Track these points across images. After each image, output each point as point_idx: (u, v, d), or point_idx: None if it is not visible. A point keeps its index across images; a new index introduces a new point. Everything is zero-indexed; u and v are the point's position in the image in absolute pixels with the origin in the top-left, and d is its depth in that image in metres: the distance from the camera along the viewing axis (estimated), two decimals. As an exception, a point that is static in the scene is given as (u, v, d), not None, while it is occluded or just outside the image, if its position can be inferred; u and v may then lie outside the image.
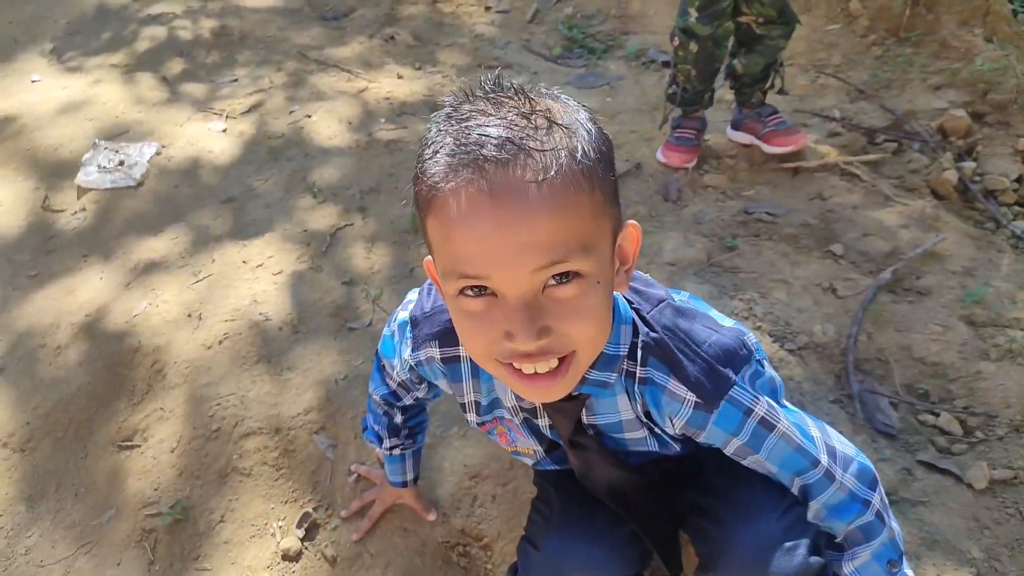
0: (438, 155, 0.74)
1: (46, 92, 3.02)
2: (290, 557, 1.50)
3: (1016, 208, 2.40)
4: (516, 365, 0.79)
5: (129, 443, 1.72)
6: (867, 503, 0.97)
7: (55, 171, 2.56)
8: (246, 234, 2.22)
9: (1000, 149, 2.53)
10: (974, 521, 1.49)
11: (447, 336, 1.02)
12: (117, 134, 2.71)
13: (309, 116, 2.76)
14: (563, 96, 0.79)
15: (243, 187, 2.44)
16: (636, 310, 0.94)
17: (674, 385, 0.91)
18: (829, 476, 0.96)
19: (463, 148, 0.71)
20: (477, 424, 1.12)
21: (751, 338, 0.98)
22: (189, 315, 1.94)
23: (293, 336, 1.87)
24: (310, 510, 1.56)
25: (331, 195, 2.36)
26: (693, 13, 2.22)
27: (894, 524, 1.02)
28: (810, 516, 1.00)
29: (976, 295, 1.94)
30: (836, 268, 2.06)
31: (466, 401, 1.09)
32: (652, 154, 2.50)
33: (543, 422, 1.05)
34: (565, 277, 0.74)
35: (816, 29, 3.05)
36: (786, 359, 1.80)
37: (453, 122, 0.75)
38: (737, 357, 0.92)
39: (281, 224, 2.25)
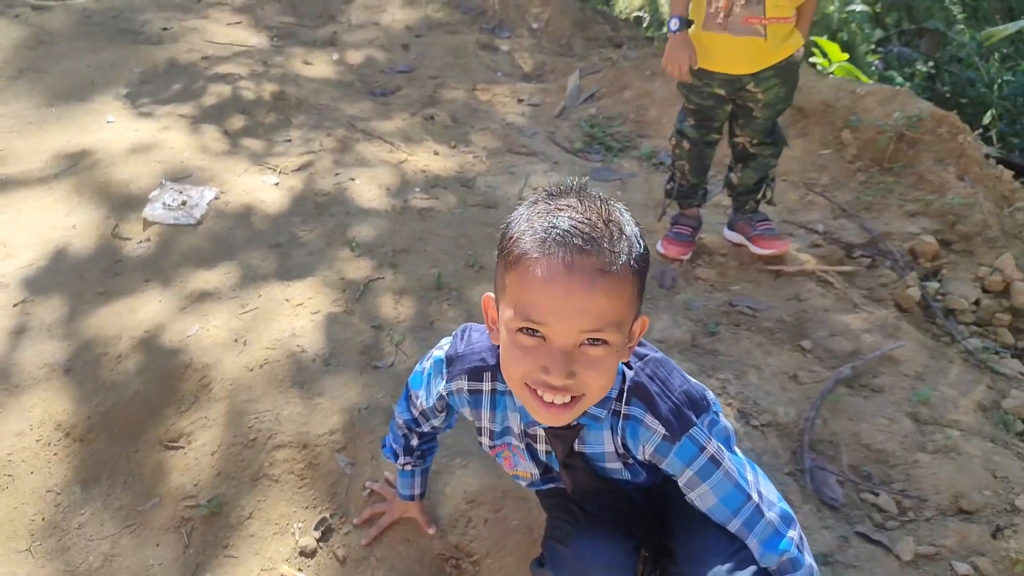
0: (534, 229, 1.02)
1: (119, 132, 3.36)
2: (306, 554, 1.73)
3: (972, 327, 2.69)
4: (540, 392, 1.07)
5: (175, 444, 1.98)
6: (790, 539, 1.19)
7: (124, 203, 2.87)
8: (290, 276, 2.52)
9: (963, 274, 2.83)
10: (897, 587, 1.72)
11: (475, 373, 1.30)
12: (181, 177, 3.04)
13: (353, 179, 3.10)
14: (627, 212, 1.08)
15: (290, 235, 2.76)
16: (625, 363, 1.23)
17: (649, 419, 1.18)
18: (759, 511, 1.19)
19: (557, 230, 0.99)
20: (489, 447, 1.39)
21: (710, 395, 1.27)
22: (235, 340, 2.22)
23: (324, 367, 2.14)
24: (327, 515, 1.80)
25: (367, 250, 2.67)
26: (690, 121, 2.60)
27: (811, 561, 1.22)
28: (756, 555, 1.20)
29: (923, 396, 2.21)
30: (803, 360, 2.34)
31: (482, 427, 1.36)
32: (652, 246, 2.82)
33: (542, 448, 1.32)
34: (597, 342, 1.03)
35: (810, 152, 3.41)
36: (751, 433, 2.06)
37: (551, 207, 1.04)
38: (699, 405, 1.21)
39: (321, 271, 2.55)
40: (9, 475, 1.91)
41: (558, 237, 0.99)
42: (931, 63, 5.55)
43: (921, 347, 2.46)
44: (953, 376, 2.35)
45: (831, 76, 4.17)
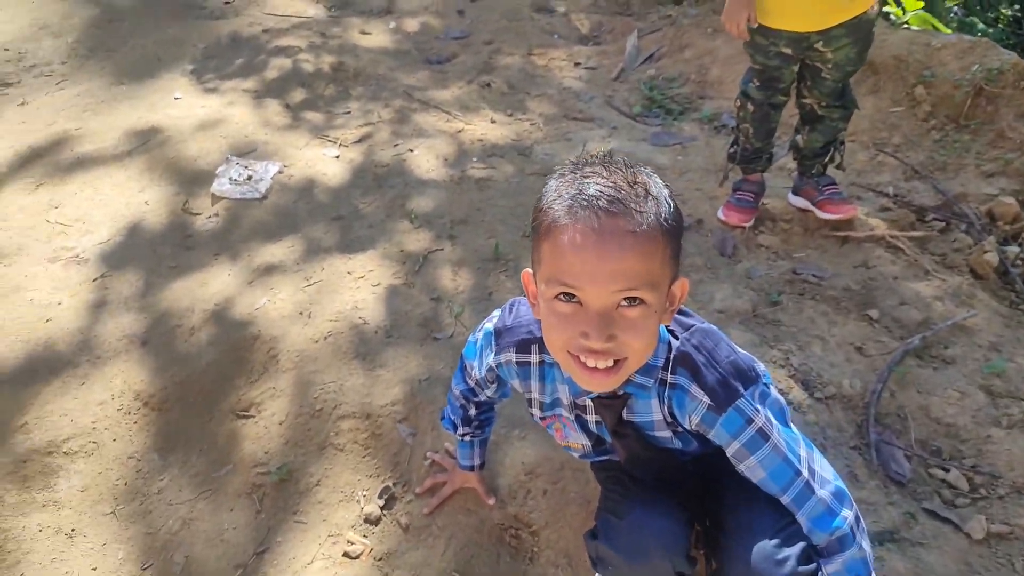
0: (562, 197, 1.04)
1: (187, 109, 3.46)
2: (371, 521, 1.80)
3: (1054, 294, 2.56)
4: (582, 359, 1.08)
5: (246, 413, 2.06)
6: (843, 518, 1.17)
7: (194, 179, 2.97)
8: (351, 249, 2.57)
9: (1045, 237, 2.70)
10: (966, 566, 1.67)
11: (523, 346, 1.32)
12: (246, 152, 3.12)
13: (411, 150, 3.12)
14: (655, 175, 1.10)
15: (350, 208, 2.80)
16: (672, 331, 1.23)
17: (695, 389, 1.18)
18: (809, 488, 1.18)
19: (583, 196, 1.02)
20: (539, 419, 1.41)
21: (760, 366, 1.25)
22: (300, 313, 2.29)
23: (386, 339, 2.19)
24: (390, 484, 1.86)
25: (426, 222, 2.70)
26: (755, 82, 2.51)
27: (866, 546, 1.20)
28: (804, 530, 1.19)
29: (997, 368, 2.12)
30: (870, 331, 2.28)
31: (532, 398, 1.37)
32: (714, 212, 2.77)
33: (591, 418, 1.33)
34: (634, 302, 1.04)
35: (880, 110, 3.27)
36: (814, 406, 2.03)
37: (577, 176, 1.06)
38: (747, 377, 1.19)
39: (381, 243, 2.59)
40: (94, 442, 2.02)
41: (584, 202, 1.02)
42: (1016, 5, 5.19)
43: (996, 316, 2.36)
44: (1031, 346, 2.25)
45: (905, 28, 3.96)
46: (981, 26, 5.16)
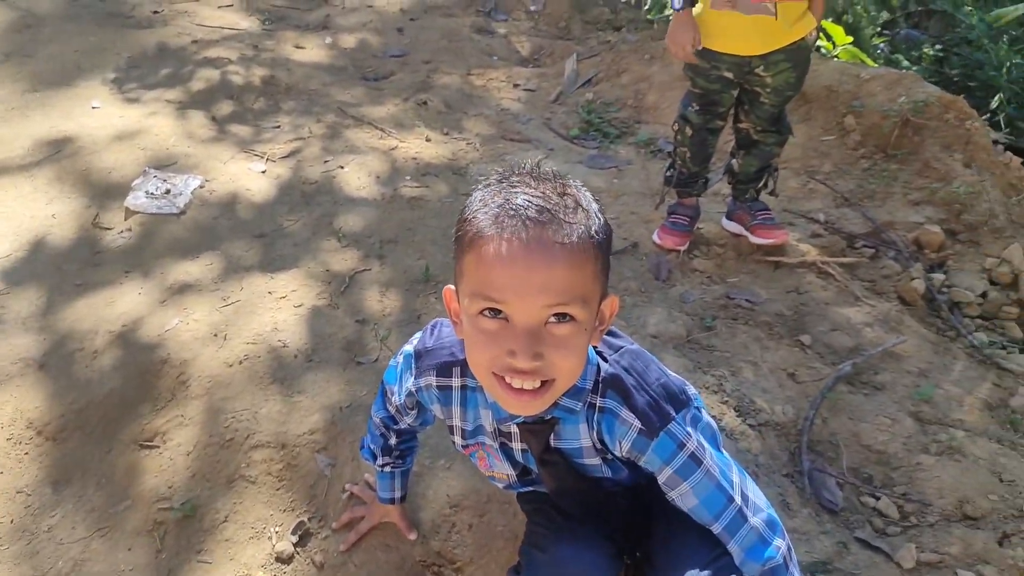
0: (488, 207, 0.97)
1: (104, 119, 3.28)
2: (283, 559, 1.67)
3: (978, 321, 2.61)
4: (508, 379, 1.01)
5: (150, 443, 1.91)
6: (776, 547, 1.13)
7: (107, 192, 2.80)
8: (273, 268, 2.45)
9: (969, 265, 2.75)
10: (898, 597, 1.66)
11: (444, 369, 1.24)
12: (166, 164, 2.97)
13: (341, 167, 3.02)
14: (584, 188, 1.04)
15: (275, 225, 2.68)
16: (600, 354, 1.17)
17: (625, 413, 1.12)
18: (742, 515, 1.13)
19: (510, 205, 0.95)
20: (461, 447, 1.32)
21: (691, 389, 1.21)
22: (215, 334, 2.15)
23: (306, 364, 2.07)
24: (305, 519, 1.74)
25: (354, 241, 2.59)
26: (694, 106, 2.51)
27: (797, 574, 1.16)
28: (736, 561, 1.15)
29: (925, 394, 2.13)
30: (802, 356, 2.26)
31: (454, 425, 1.29)
32: (649, 235, 2.74)
33: (517, 446, 1.25)
34: (564, 318, 0.97)
35: (812, 138, 3.32)
36: (747, 433, 1.99)
37: (504, 186, 0.99)
38: (678, 400, 1.14)
39: (306, 262, 2.47)
40: (-22, 475, 1.85)
41: (511, 211, 0.95)
42: (939, 46, 5.42)
43: (924, 342, 2.38)
44: (957, 373, 2.28)
45: (835, 60, 4.06)
46: (906, 63, 5.35)
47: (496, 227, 0.95)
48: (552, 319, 0.97)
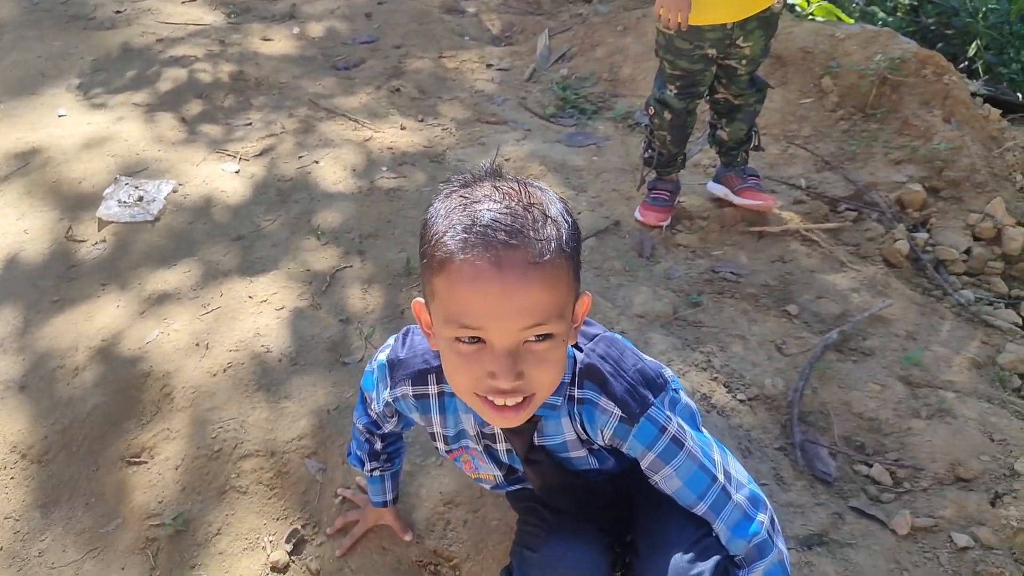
0: (454, 228, 0.93)
1: (72, 127, 3.21)
2: (278, 569, 1.66)
3: (964, 278, 2.60)
4: (490, 398, 1.00)
5: (137, 459, 1.89)
6: (759, 523, 1.13)
7: (78, 203, 2.75)
8: (253, 271, 2.41)
9: (952, 223, 2.74)
10: (895, 564, 1.65)
11: (419, 377, 1.22)
12: (137, 171, 2.91)
13: (316, 162, 2.97)
14: (547, 189, 1.01)
15: (252, 226, 2.64)
16: (575, 345, 1.15)
17: (604, 402, 1.12)
18: (726, 493, 1.13)
19: (478, 227, 0.92)
20: (445, 452, 1.31)
21: (668, 372, 1.20)
22: (197, 344, 2.12)
23: (291, 368, 2.05)
24: (299, 527, 1.73)
25: (333, 238, 2.56)
26: (672, 89, 2.45)
27: (782, 546, 1.16)
28: (723, 540, 1.14)
29: (914, 358, 2.13)
30: (790, 327, 2.25)
31: (435, 432, 1.28)
32: (631, 212, 2.71)
33: (501, 447, 1.24)
34: (542, 336, 0.96)
35: (790, 102, 3.28)
36: (737, 408, 1.98)
37: (467, 200, 0.96)
38: (655, 384, 1.14)
39: (285, 263, 2.44)
40: (-35, 504, 1.83)
41: (480, 233, 0.92)
42: (913, -7, 5.38)
43: (911, 304, 2.37)
44: (945, 333, 2.28)
45: (810, 20, 4.01)
46: (881, 15, 5.30)
47: (466, 251, 0.92)
48: (530, 338, 0.96)
